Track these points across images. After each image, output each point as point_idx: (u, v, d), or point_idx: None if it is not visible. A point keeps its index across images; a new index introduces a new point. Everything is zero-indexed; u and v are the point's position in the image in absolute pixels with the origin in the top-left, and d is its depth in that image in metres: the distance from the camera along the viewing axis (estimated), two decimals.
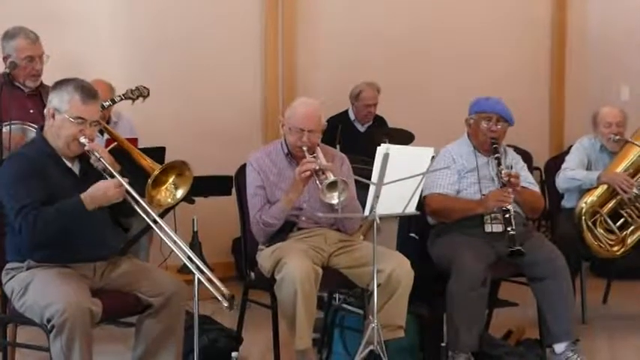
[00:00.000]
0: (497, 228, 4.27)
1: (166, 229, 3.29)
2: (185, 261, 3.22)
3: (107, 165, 3.34)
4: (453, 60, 6.91)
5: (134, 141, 4.57)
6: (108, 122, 5.18)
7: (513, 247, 4.11)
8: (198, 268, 3.16)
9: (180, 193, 3.66)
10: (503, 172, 4.28)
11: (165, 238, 3.28)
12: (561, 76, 7.59)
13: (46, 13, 5.46)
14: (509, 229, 4.15)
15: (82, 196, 3.28)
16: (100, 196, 3.29)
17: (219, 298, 3.10)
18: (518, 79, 7.17)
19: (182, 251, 3.23)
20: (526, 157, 5.08)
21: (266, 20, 6.37)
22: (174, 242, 3.25)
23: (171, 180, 3.64)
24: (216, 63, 6.17)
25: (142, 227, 4.51)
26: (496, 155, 4.36)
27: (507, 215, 4.18)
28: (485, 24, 7.13)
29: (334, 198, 3.72)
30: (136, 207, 3.34)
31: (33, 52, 4.38)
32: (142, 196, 3.47)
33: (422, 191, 3.94)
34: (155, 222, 3.33)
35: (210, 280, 3.15)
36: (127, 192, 3.31)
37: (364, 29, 6.67)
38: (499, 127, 4.41)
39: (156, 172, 3.57)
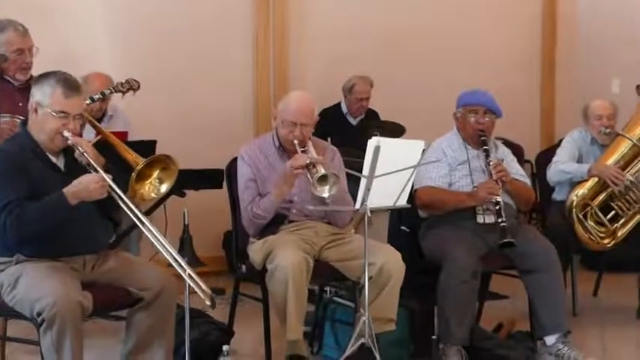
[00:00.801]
0: (490, 219, 4.28)
1: (150, 226, 3.25)
2: (167, 256, 3.19)
3: (90, 160, 3.30)
4: (444, 53, 6.90)
5: (124, 134, 4.56)
6: (104, 115, 5.19)
7: (504, 238, 4.12)
8: (181, 266, 3.14)
9: (164, 187, 3.60)
10: (491, 163, 4.29)
11: (149, 235, 3.25)
12: (552, 69, 7.59)
13: (39, 6, 5.43)
14: (500, 220, 4.16)
15: (65, 190, 3.25)
16: (81, 190, 3.26)
17: (202, 296, 3.08)
18: (508, 73, 7.17)
19: (163, 247, 3.20)
20: (517, 150, 5.08)
21: (258, 14, 6.35)
22: (157, 239, 3.22)
23: (155, 174, 3.58)
24: (208, 56, 6.16)
25: (133, 221, 4.50)
26: (484, 147, 4.36)
27: (498, 207, 4.19)
28: (476, 17, 7.12)
29: (325, 191, 3.72)
30: (120, 203, 3.30)
31: (23, 45, 4.35)
32: (127, 189, 3.45)
33: (413, 184, 3.94)
34: (138, 219, 3.29)
35: (193, 280, 3.12)
36: (111, 188, 3.28)
37: (356, 23, 6.66)
38: (486, 119, 4.42)
39: (139, 167, 3.52)
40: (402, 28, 6.79)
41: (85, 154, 3.31)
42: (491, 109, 4.43)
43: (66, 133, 3.33)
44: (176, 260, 3.17)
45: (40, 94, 3.37)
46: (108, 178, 3.26)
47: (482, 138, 4.39)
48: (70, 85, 3.38)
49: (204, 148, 5.74)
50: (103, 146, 3.61)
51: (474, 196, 4.28)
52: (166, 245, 3.22)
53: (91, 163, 3.30)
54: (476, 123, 4.41)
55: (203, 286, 3.11)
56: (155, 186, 3.58)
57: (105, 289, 3.43)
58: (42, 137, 3.38)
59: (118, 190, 3.29)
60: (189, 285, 3.19)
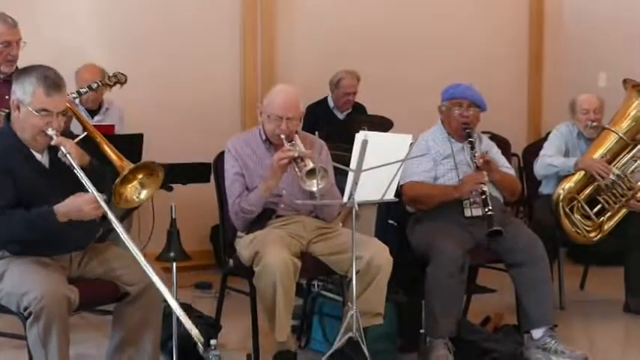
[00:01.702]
0: (477, 212, 4.29)
1: (140, 256, 3.16)
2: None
3: (73, 162, 3.21)
4: (432, 47, 6.91)
5: (110, 128, 4.55)
6: (100, 107, 5.19)
7: (491, 227, 4.12)
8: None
9: (144, 194, 3.45)
10: (476, 154, 4.29)
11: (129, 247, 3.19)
12: (539, 63, 7.62)
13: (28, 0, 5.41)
14: (486, 209, 4.17)
15: (56, 208, 3.18)
16: (73, 211, 3.19)
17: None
18: (496, 67, 7.19)
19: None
20: (504, 143, 5.10)
21: (245, 7, 6.33)
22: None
23: (139, 177, 3.44)
24: (195, 50, 6.14)
25: (121, 214, 4.49)
26: (469, 140, 4.37)
27: (484, 196, 4.20)
28: (463, 12, 7.14)
29: (313, 185, 3.71)
30: (113, 223, 3.20)
31: (11, 37, 4.33)
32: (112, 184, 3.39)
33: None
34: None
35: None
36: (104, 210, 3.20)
37: (343, 16, 6.65)
38: (471, 112, 4.43)
39: (125, 172, 3.40)
40: (390, 23, 6.79)
41: (68, 155, 3.22)
42: (476, 102, 4.44)
43: (50, 132, 3.25)
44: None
45: (20, 92, 3.27)
46: (101, 199, 3.17)
47: (467, 131, 4.40)
48: (51, 82, 3.26)
49: (192, 142, 5.73)
50: (89, 139, 3.55)
51: (460, 188, 4.29)
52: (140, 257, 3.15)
53: (73, 165, 3.21)
54: (460, 116, 4.43)
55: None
56: (136, 188, 3.46)
57: (92, 283, 3.42)
58: (25, 135, 3.31)
59: (110, 214, 3.18)
60: (176, 279, 3.18)
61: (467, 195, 4.29)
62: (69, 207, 3.19)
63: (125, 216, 4.77)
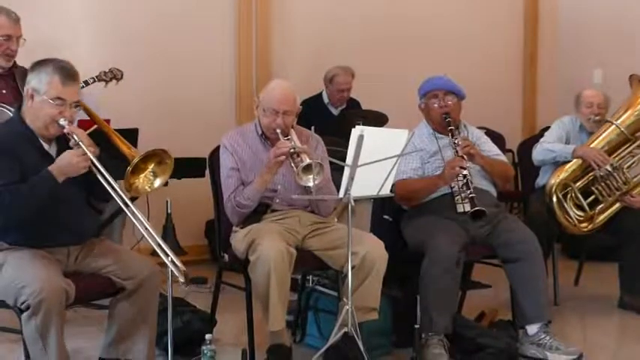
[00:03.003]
0: (469, 207, 4.28)
1: (133, 209, 3.25)
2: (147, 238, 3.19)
3: (86, 149, 3.28)
4: (427, 44, 6.92)
5: (106, 122, 4.53)
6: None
7: (474, 207, 4.13)
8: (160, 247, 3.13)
9: (158, 181, 3.53)
10: (456, 140, 4.29)
11: (132, 218, 3.24)
12: (534, 60, 7.63)
13: None
14: (468, 192, 4.18)
15: (50, 168, 3.25)
16: (65, 165, 3.26)
17: (177, 273, 3.07)
18: (491, 64, 7.20)
19: (144, 228, 3.20)
20: (499, 139, 5.10)
21: (240, 3, 6.33)
22: (141, 222, 3.21)
23: (150, 167, 3.52)
24: (190, 45, 6.14)
25: (116, 209, 4.48)
26: (449, 128, 4.36)
27: (465, 180, 4.20)
28: (459, 9, 7.15)
29: (309, 181, 3.71)
30: (101, 179, 3.28)
31: (12, 32, 4.36)
32: (121, 178, 3.42)
33: None
34: (123, 201, 3.29)
35: (172, 261, 3.11)
36: (94, 165, 3.28)
37: (338, 12, 6.66)
38: (449, 101, 4.43)
39: (135, 160, 3.47)
40: (384, 19, 6.80)
41: (80, 143, 3.28)
42: (450, 89, 4.45)
43: (62, 121, 3.32)
44: (155, 240, 3.16)
45: (36, 81, 3.34)
46: (89, 153, 3.24)
47: (447, 119, 4.39)
48: (67, 72, 3.35)
49: (187, 137, 5.73)
50: (96, 134, 3.57)
51: (442, 176, 4.28)
52: (148, 227, 3.20)
53: (86, 152, 3.27)
54: (439, 107, 4.43)
55: (180, 265, 3.08)
56: (149, 179, 3.53)
57: (87, 277, 3.42)
58: (37, 124, 3.36)
59: (101, 168, 3.27)
60: (172, 274, 3.18)
61: (450, 181, 4.27)
62: (60, 162, 3.27)
63: (120, 210, 4.76)
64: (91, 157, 3.26)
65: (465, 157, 4.24)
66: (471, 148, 4.30)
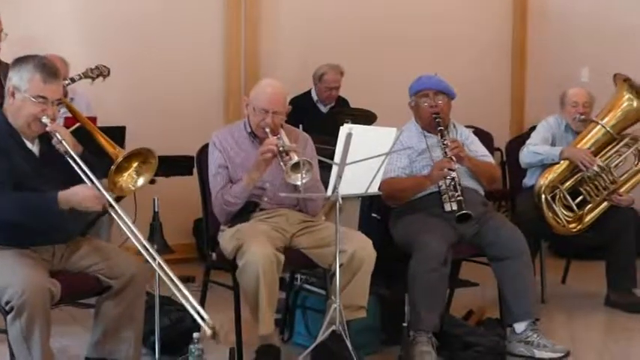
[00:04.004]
0: (456, 206, 4.29)
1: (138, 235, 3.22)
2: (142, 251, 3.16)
3: (69, 148, 3.26)
4: (416, 42, 6.92)
5: (93, 120, 4.51)
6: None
7: (461, 210, 4.13)
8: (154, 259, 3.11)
9: (141, 180, 3.49)
10: (446, 141, 4.29)
11: (131, 236, 3.22)
12: (522, 58, 7.65)
13: None
14: (456, 194, 4.17)
15: (59, 194, 3.20)
16: (75, 202, 3.21)
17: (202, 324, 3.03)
18: (479, 62, 7.21)
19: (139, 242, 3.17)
20: (487, 137, 5.11)
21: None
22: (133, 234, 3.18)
23: (134, 166, 3.47)
24: (177, 43, 6.12)
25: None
26: (439, 128, 4.36)
27: (453, 182, 4.20)
28: (447, 7, 7.15)
29: (298, 179, 3.70)
30: (87, 181, 3.25)
31: None
32: (105, 177, 3.40)
33: None
34: (127, 226, 3.25)
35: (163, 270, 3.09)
36: (77, 164, 3.25)
37: (327, 10, 6.65)
38: (439, 101, 4.43)
39: (119, 160, 3.43)
40: (374, 17, 6.80)
41: (63, 141, 3.26)
42: (440, 89, 4.45)
43: (44, 119, 3.28)
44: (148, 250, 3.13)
45: (17, 79, 3.30)
46: (106, 193, 3.21)
47: (437, 120, 4.39)
48: (49, 70, 3.31)
49: (175, 135, 5.71)
50: (78, 131, 3.55)
51: (430, 175, 4.29)
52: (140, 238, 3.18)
53: (68, 151, 3.25)
54: (429, 107, 4.42)
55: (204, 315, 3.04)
56: (133, 177, 3.49)
57: (74, 276, 3.40)
58: (19, 122, 3.32)
59: (82, 164, 3.24)
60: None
61: (437, 181, 4.28)
62: (72, 197, 3.21)
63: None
64: (75, 156, 3.23)
65: (453, 158, 4.24)
66: (460, 150, 4.30)
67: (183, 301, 3.02)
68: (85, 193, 3.22)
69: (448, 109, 4.48)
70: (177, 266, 5.47)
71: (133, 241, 3.20)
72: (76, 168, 3.27)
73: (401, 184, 4.36)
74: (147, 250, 3.16)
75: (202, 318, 3.00)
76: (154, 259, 3.14)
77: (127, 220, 3.23)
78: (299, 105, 5.67)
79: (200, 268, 4.38)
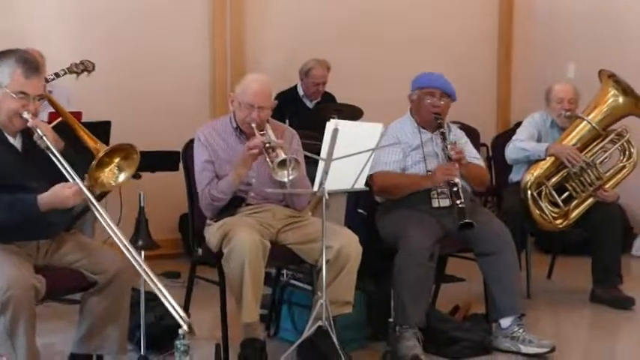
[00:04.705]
0: (445, 202, 4.29)
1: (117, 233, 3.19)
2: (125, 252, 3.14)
3: (49, 144, 3.23)
4: (402, 37, 6.91)
5: (78, 115, 4.49)
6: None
7: (463, 219, 4.13)
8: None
9: (122, 176, 3.46)
10: (449, 146, 4.29)
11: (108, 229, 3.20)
12: (508, 54, 7.66)
13: None
14: (458, 202, 4.17)
15: (39, 198, 3.17)
16: (57, 203, 3.19)
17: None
18: (465, 57, 7.21)
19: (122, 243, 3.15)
20: (473, 133, 5.11)
21: None
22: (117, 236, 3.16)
23: (116, 162, 3.45)
24: (163, 37, 6.10)
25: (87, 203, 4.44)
26: (441, 130, 4.36)
27: (455, 189, 4.20)
28: (434, 3, 7.16)
29: (285, 176, 3.70)
30: (68, 177, 3.23)
31: None
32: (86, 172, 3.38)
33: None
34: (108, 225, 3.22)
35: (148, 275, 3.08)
36: (58, 160, 3.22)
37: (312, 5, 6.64)
38: (442, 102, 4.42)
39: (100, 154, 3.40)
40: (359, 14, 6.79)
41: (44, 137, 3.23)
42: (447, 92, 4.43)
43: (25, 115, 3.25)
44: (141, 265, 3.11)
45: None
46: (83, 187, 3.18)
47: (439, 121, 4.38)
48: (30, 65, 3.28)
49: (161, 130, 5.69)
50: (61, 127, 3.52)
51: (432, 178, 4.28)
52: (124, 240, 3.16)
53: (49, 147, 3.23)
54: (432, 106, 4.40)
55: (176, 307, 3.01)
56: (114, 173, 3.46)
57: (58, 272, 3.38)
58: (0, 117, 3.29)
59: (94, 200, 3.20)
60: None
61: (438, 185, 4.29)
62: (53, 198, 3.18)
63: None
64: (55, 152, 3.21)
65: (456, 164, 4.24)
66: (463, 157, 4.29)
67: (158, 293, 2.99)
68: (64, 193, 3.18)
69: (447, 111, 4.47)
70: (163, 262, 5.49)
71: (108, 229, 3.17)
72: (57, 163, 3.24)
73: (398, 179, 4.35)
74: (120, 240, 3.13)
75: (179, 314, 2.97)
76: (128, 249, 3.10)
77: (106, 217, 3.19)
78: (285, 100, 5.66)
79: (186, 264, 4.37)
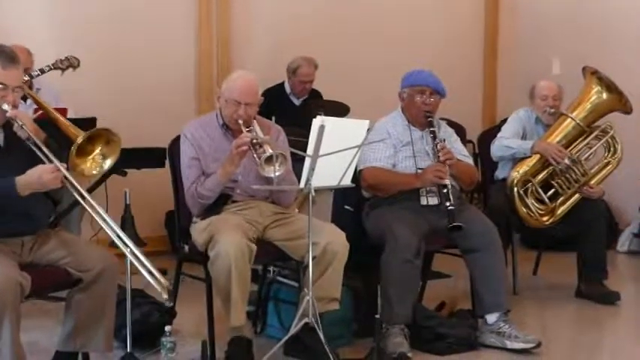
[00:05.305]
0: (433, 200, 4.30)
1: (97, 208, 3.20)
2: (116, 241, 3.14)
3: (30, 133, 3.21)
4: (388, 34, 6.92)
5: (64, 111, 4.47)
6: (30, 89, 5.05)
7: (453, 222, 4.14)
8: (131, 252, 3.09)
9: (108, 162, 3.48)
10: (438, 145, 4.29)
11: (96, 217, 3.19)
12: (494, 50, 7.68)
13: None
14: (447, 204, 4.17)
15: (17, 179, 3.16)
16: (35, 181, 3.17)
17: (152, 282, 3.03)
18: (451, 54, 7.22)
19: (113, 231, 3.15)
20: (459, 130, 5.11)
21: None
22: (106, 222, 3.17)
23: (98, 150, 3.46)
24: (149, 33, 6.08)
25: (74, 199, 4.42)
26: (431, 129, 4.37)
27: (445, 190, 4.20)
28: (419, 1, 7.16)
29: (272, 172, 3.69)
30: (73, 191, 3.23)
31: None
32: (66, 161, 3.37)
33: (357, 165, 3.94)
34: (83, 198, 3.23)
35: (141, 263, 3.07)
36: (66, 178, 3.20)
37: (300, 3, 6.63)
38: (432, 100, 4.42)
39: (79, 140, 3.40)
40: (347, 9, 6.79)
41: (23, 127, 3.21)
42: (437, 89, 4.43)
43: (4, 106, 3.23)
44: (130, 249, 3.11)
45: None
46: (62, 168, 3.17)
47: (429, 119, 4.39)
48: (7, 56, 3.26)
49: (146, 127, 5.67)
50: (44, 122, 3.51)
51: (421, 178, 4.29)
52: (115, 227, 3.15)
53: (30, 136, 3.21)
54: (422, 104, 4.41)
55: (157, 275, 3.03)
56: (98, 162, 3.46)
57: (44, 269, 3.36)
58: None
59: (73, 180, 3.20)
60: (130, 265, 3.15)
61: (428, 185, 4.29)
62: (30, 178, 3.16)
63: (78, 202, 4.70)
64: (64, 172, 3.18)
65: (446, 165, 4.24)
66: (451, 157, 4.29)
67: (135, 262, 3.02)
68: (42, 168, 3.17)
69: (437, 108, 4.47)
70: (150, 259, 5.46)
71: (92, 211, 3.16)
72: (39, 153, 3.22)
73: (388, 177, 4.35)
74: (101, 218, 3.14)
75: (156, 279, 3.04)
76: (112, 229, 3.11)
77: (89, 199, 3.21)
78: (272, 97, 5.66)
79: (172, 261, 4.36)
